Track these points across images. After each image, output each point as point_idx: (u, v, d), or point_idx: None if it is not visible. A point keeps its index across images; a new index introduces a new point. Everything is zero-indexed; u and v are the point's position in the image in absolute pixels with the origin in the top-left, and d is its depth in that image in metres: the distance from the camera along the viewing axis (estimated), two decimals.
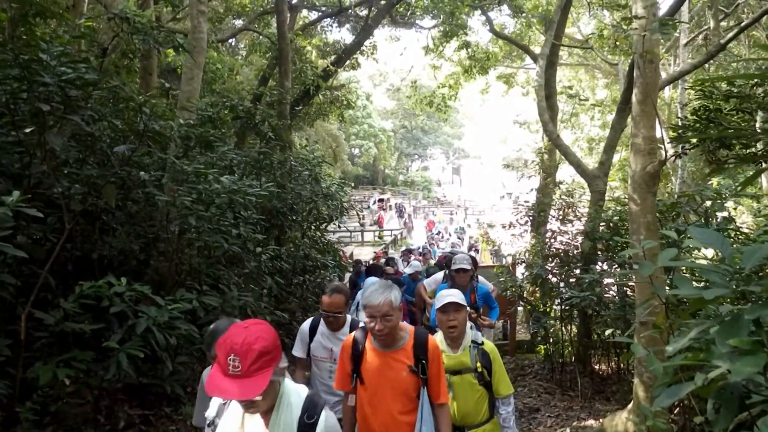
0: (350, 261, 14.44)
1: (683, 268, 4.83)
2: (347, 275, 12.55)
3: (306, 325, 4.24)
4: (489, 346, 3.88)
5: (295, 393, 2.29)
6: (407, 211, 44.65)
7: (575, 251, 8.68)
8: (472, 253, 18.21)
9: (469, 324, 3.93)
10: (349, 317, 4.22)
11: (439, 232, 34.64)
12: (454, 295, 3.84)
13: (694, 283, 4.01)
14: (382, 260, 12.75)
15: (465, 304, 3.83)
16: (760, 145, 5.73)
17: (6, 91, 4.04)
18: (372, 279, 6.81)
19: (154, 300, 4.24)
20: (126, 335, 4.05)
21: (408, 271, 9.94)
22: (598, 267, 8.16)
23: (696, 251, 6.02)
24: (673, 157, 7.04)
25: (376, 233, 34.34)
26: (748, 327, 1.51)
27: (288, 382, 2.31)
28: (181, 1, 12.36)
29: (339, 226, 10.04)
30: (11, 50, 4.00)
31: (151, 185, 5.21)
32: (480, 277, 6.97)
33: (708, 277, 1.77)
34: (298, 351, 4.20)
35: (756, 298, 1.72)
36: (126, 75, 7.36)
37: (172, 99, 10.02)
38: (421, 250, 22.71)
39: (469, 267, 6.26)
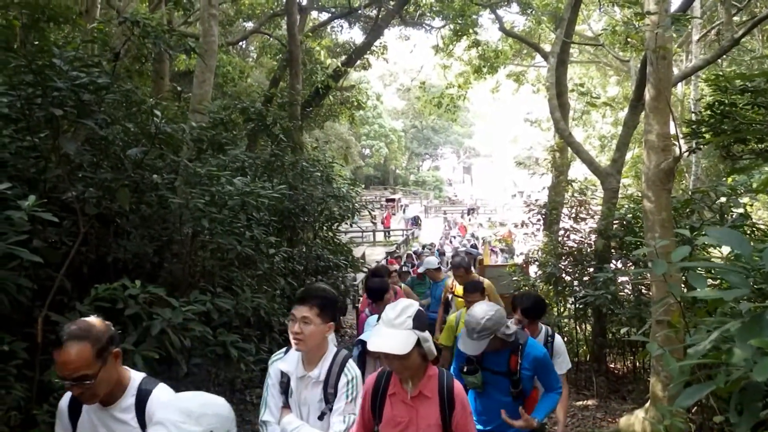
0: (363, 263, 13.55)
1: None
2: (359, 275, 12.23)
3: (64, 402, 2.56)
4: None
5: None
6: (450, 221, 40.10)
7: (589, 249, 8.64)
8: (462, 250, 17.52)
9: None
10: (134, 380, 2.63)
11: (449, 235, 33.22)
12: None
13: (709, 281, 3.97)
14: (395, 267, 10.53)
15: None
16: None
17: (20, 97, 4.06)
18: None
19: (168, 302, 4.25)
20: (141, 337, 4.06)
21: (421, 271, 9.62)
22: (612, 265, 8.12)
23: (711, 248, 5.96)
24: (687, 153, 6.99)
25: (387, 234, 34.17)
26: None
27: None
28: (192, 5, 12.42)
29: (351, 225, 10.02)
30: (24, 56, 4.03)
31: (164, 188, 5.22)
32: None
33: (726, 278, 1.75)
34: None
35: None
36: (138, 79, 7.38)
37: (184, 102, 10.07)
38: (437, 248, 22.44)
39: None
